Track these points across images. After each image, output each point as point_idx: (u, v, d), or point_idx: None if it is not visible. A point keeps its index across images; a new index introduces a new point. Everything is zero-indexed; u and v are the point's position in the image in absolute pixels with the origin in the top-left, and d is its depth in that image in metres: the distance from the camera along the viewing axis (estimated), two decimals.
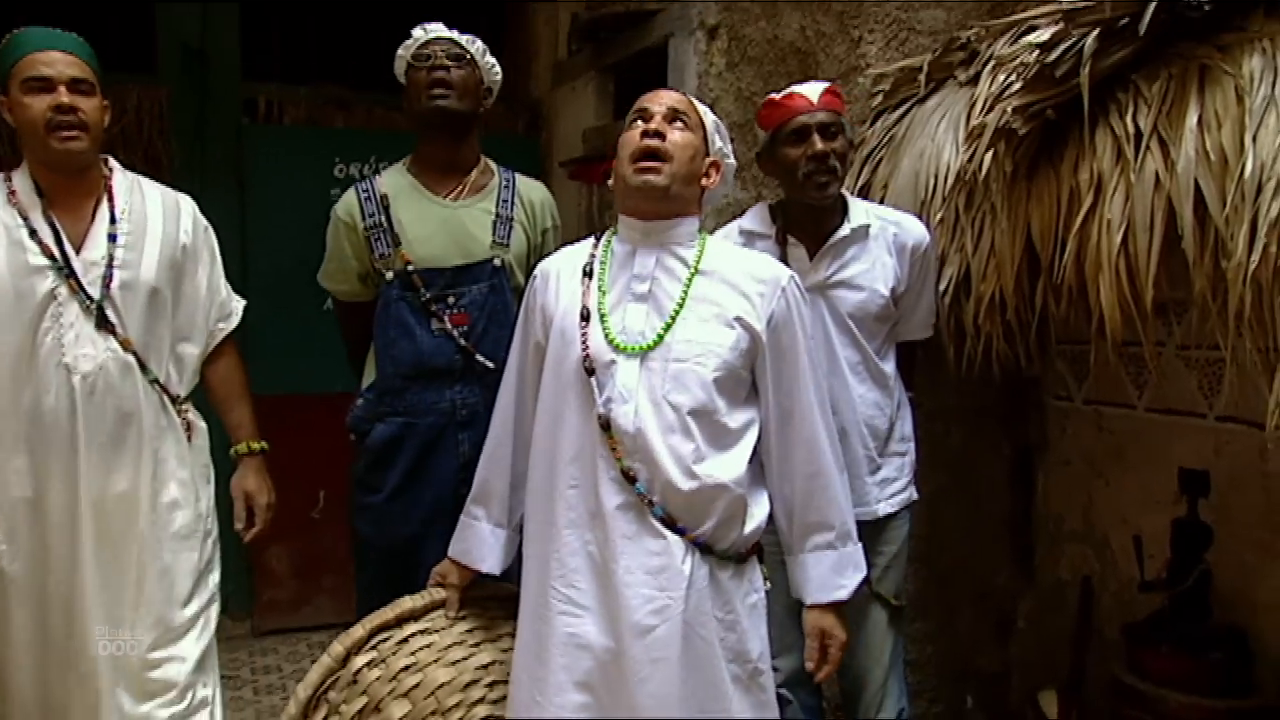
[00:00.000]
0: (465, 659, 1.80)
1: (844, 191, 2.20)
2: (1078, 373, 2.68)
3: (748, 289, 1.70)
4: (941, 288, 2.29)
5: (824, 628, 1.74)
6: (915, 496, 2.23)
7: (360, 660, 1.76)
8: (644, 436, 1.62)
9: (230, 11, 3.93)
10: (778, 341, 1.70)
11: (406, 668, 1.76)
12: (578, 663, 1.64)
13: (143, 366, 1.99)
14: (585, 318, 1.69)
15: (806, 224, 2.14)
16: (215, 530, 2.15)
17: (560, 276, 1.79)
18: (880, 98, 2.64)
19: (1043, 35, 2.02)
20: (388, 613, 1.81)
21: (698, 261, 1.71)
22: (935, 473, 2.73)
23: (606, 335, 1.67)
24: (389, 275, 2.12)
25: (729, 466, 1.65)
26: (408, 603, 1.84)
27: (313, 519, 3.84)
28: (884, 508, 2.14)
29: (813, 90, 2.11)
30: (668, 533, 1.63)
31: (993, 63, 2.22)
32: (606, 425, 1.63)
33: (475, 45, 2.23)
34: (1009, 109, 2.02)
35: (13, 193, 1.96)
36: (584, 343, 1.68)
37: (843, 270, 2.13)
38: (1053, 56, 1.95)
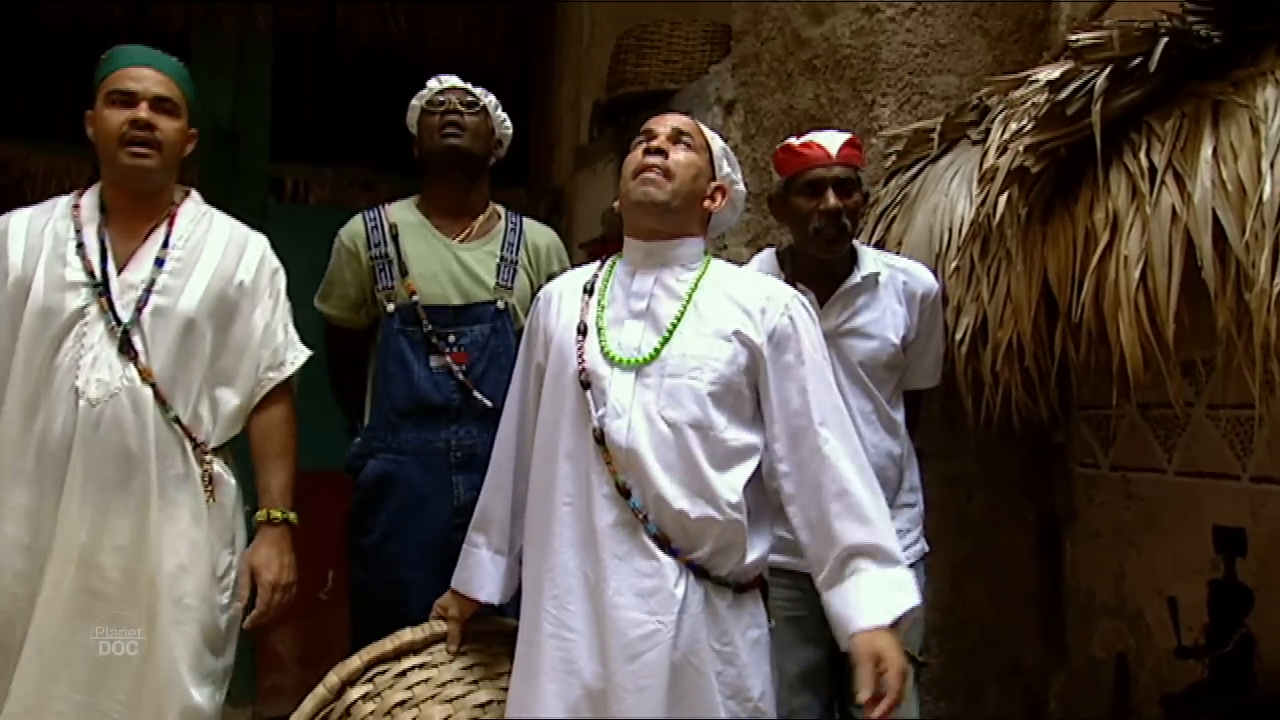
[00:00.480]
0: (463, 696, 1.73)
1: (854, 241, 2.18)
2: (1103, 438, 2.60)
3: (749, 305, 1.67)
4: (958, 337, 2.26)
5: (877, 650, 1.50)
6: (926, 549, 2.16)
7: (355, 693, 1.71)
8: (637, 452, 1.57)
9: (262, 95, 4.09)
10: (780, 357, 1.65)
11: (401, 703, 1.70)
12: (568, 689, 1.56)
13: (163, 403, 1.83)
14: (583, 332, 1.67)
15: (816, 272, 2.12)
16: (234, 606, 1.92)
17: (563, 297, 1.78)
18: (894, 158, 2.66)
19: (1053, 73, 2.02)
20: (386, 644, 1.75)
21: (699, 279, 1.69)
22: (958, 542, 2.64)
23: (603, 349, 1.65)
24: (390, 307, 2.11)
25: (726, 487, 1.58)
26: (408, 635, 1.78)
27: (320, 600, 3.75)
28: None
29: (832, 142, 2.09)
30: (660, 554, 1.56)
31: (1004, 110, 2.22)
32: (601, 439, 1.59)
33: (488, 98, 2.28)
34: (1021, 148, 2.02)
35: (77, 206, 1.90)
36: (580, 356, 1.65)
37: (854, 319, 2.10)
38: (1063, 95, 1.95)
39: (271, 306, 1.98)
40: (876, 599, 1.56)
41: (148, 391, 1.81)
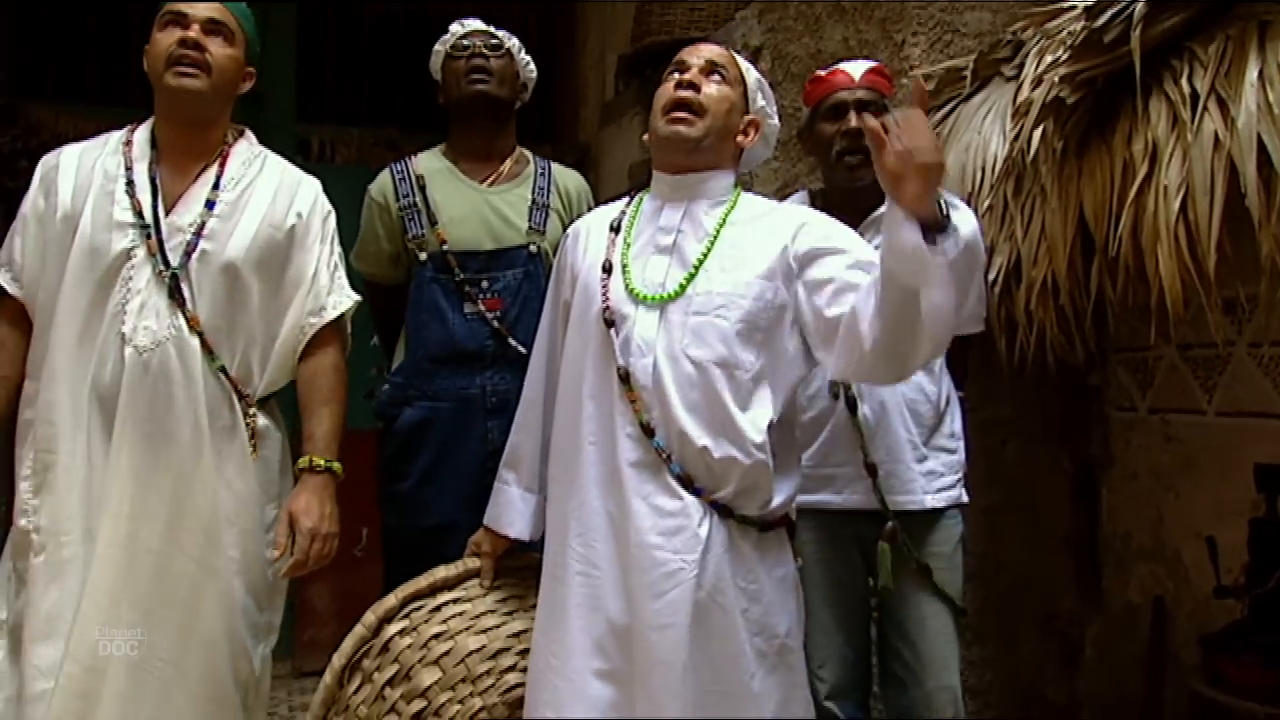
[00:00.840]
0: (497, 627, 1.75)
1: None
2: (1141, 380, 2.56)
3: (778, 236, 1.64)
4: (991, 278, 2.21)
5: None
6: (964, 498, 2.11)
7: (392, 629, 1.73)
8: (662, 390, 1.56)
9: (287, 56, 4.08)
10: (809, 270, 1.60)
11: (437, 635, 1.72)
12: (593, 625, 1.56)
13: (209, 353, 1.77)
14: (607, 270, 1.66)
15: (845, 205, 2.07)
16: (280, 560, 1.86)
17: (590, 233, 1.76)
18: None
19: (1089, 0, 1.97)
20: (421, 582, 1.78)
21: (727, 213, 1.67)
22: (991, 488, 2.61)
23: (627, 285, 1.63)
24: (423, 256, 2.11)
25: (751, 426, 1.57)
26: (441, 572, 1.80)
27: (355, 556, 3.80)
28: (931, 500, 2.03)
29: (856, 68, 2.08)
30: (684, 493, 1.55)
31: (1039, 42, 2.16)
32: (626, 378, 1.58)
33: (512, 40, 2.26)
34: (1056, 79, 1.97)
35: (129, 142, 1.83)
36: (604, 294, 1.64)
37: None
38: (1101, 21, 1.90)
39: (319, 251, 1.91)
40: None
41: (195, 341, 1.76)
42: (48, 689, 1.65)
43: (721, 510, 1.57)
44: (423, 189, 2.14)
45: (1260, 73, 1.75)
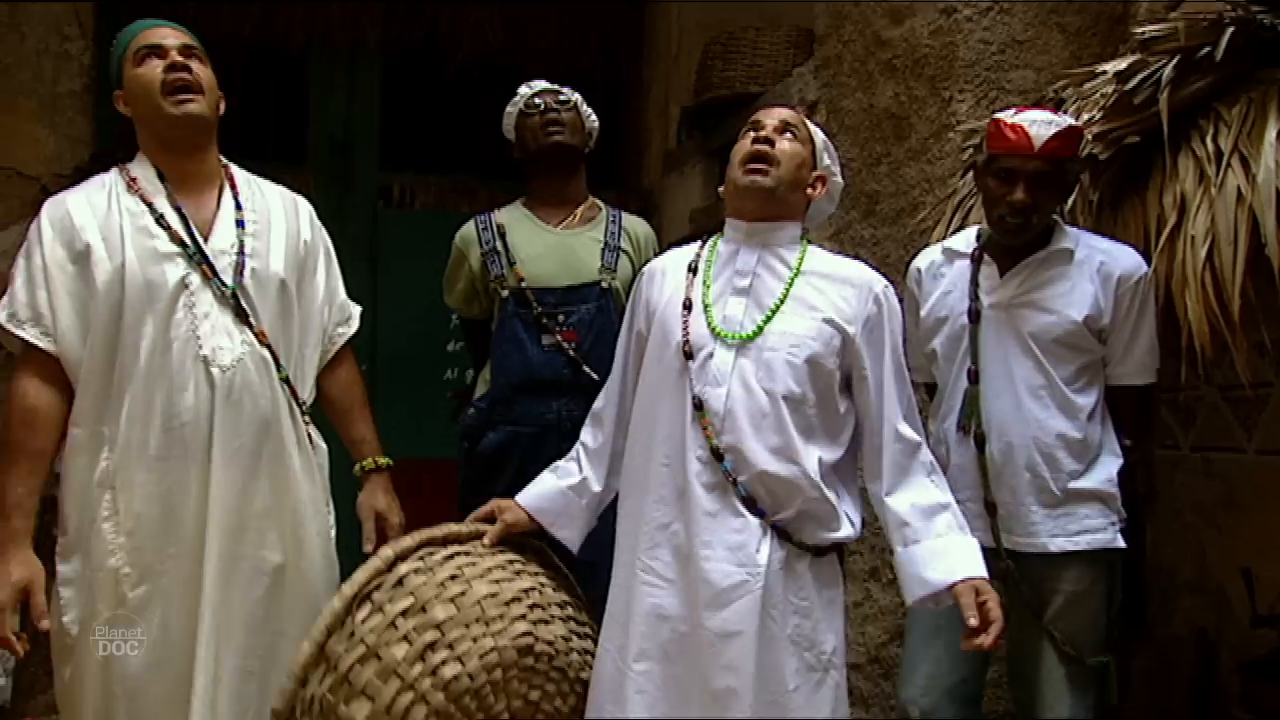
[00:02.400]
0: (508, 581, 1.83)
1: (1060, 219, 2.17)
2: (1183, 419, 2.66)
3: (844, 291, 1.81)
4: None
5: (976, 587, 1.68)
6: (1114, 544, 2.07)
7: (406, 566, 1.78)
8: (734, 418, 1.72)
9: (372, 108, 4.38)
10: (870, 341, 1.78)
11: (452, 577, 1.78)
12: (657, 632, 1.71)
13: (276, 364, 1.87)
14: (688, 307, 1.81)
15: (1002, 252, 2.14)
16: (335, 558, 1.99)
17: (666, 273, 1.93)
18: (970, 151, 2.75)
19: (1120, 65, 2.13)
20: (436, 531, 1.85)
21: (799, 263, 1.83)
22: None
23: (709, 323, 1.78)
24: (504, 293, 2.33)
25: (813, 456, 1.73)
26: (454, 527, 1.88)
27: None
28: (1056, 544, 2.04)
29: (1040, 131, 2.00)
30: (748, 514, 1.70)
31: (1076, 102, 2.32)
32: (700, 406, 1.73)
33: (574, 95, 2.49)
34: (1090, 136, 2.13)
35: (133, 180, 1.85)
36: (685, 330, 1.79)
37: (1032, 292, 2.08)
38: (1130, 85, 2.06)
39: (327, 264, 2.04)
40: (967, 555, 1.72)
41: (266, 353, 1.85)
42: (156, 706, 1.75)
43: (780, 533, 1.72)
44: (503, 236, 2.37)
45: (1279, 133, 1.89)
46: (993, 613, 1.65)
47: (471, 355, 2.60)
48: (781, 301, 1.79)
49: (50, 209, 1.84)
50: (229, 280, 1.83)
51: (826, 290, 1.81)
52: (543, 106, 2.42)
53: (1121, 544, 2.07)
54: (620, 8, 4.78)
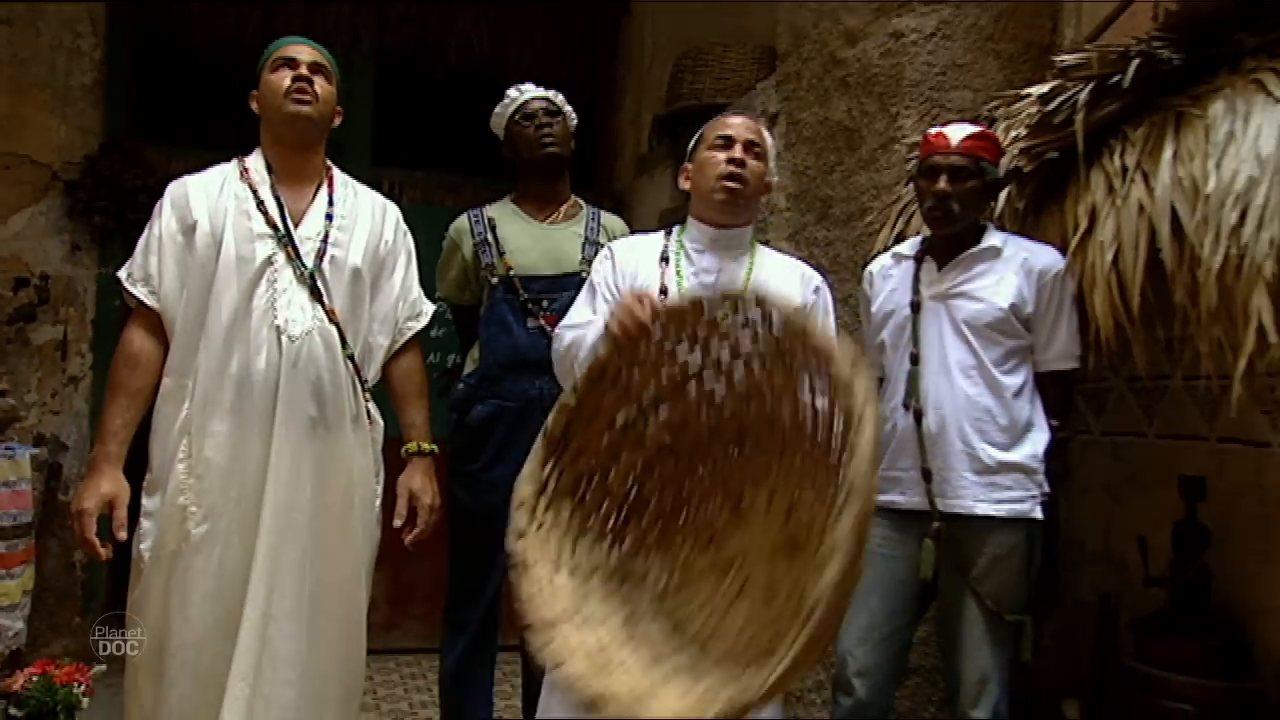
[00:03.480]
0: None
1: (987, 222, 2.32)
2: (1095, 407, 2.82)
3: (791, 282, 1.95)
4: None
5: None
6: (1034, 515, 2.19)
7: None
8: None
9: (365, 108, 4.46)
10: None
11: None
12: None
13: (343, 342, 1.99)
14: (664, 293, 1.91)
15: (940, 242, 2.29)
16: (377, 524, 2.10)
17: (637, 259, 2.01)
18: (914, 164, 2.91)
19: (1043, 89, 2.29)
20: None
21: (752, 261, 1.97)
22: None
23: None
24: (494, 280, 2.45)
25: None
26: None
27: (408, 550, 4.09)
28: (982, 507, 2.16)
29: (956, 133, 2.21)
30: None
31: (1006, 121, 2.48)
32: None
33: (558, 97, 2.60)
34: (1017, 151, 2.29)
35: (245, 169, 2.03)
36: None
37: (965, 284, 2.23)
38: (1051, 106, 2.22)
39: (406, 264, 2.18)
40: None
41: (334, 330, 1.98)
42: (207, 633, 1.87)
43: None
44: (493, 228, 2.49)
45: (1174, 153, 2.05)
46: None
47: (460, 337, 2.70)
48: (744, 291, 1.86)
49: (173, 189, 2.04)
50: (309, 263, 1.99)
51: (777, 281, 1.94)
52: (536, 119, 2.51)
53: (1039, 516, 2.19)
54: (599, 21, 4.89)
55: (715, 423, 1.64)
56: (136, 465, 2.01)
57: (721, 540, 1.62)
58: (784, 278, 1.96)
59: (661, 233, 2.09)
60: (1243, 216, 1.88)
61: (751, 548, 1.57)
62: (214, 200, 2.00)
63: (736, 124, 2.03)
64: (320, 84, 2.04)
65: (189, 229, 1.98)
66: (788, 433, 1.51)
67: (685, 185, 2.06)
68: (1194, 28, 2.10)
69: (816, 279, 2.00)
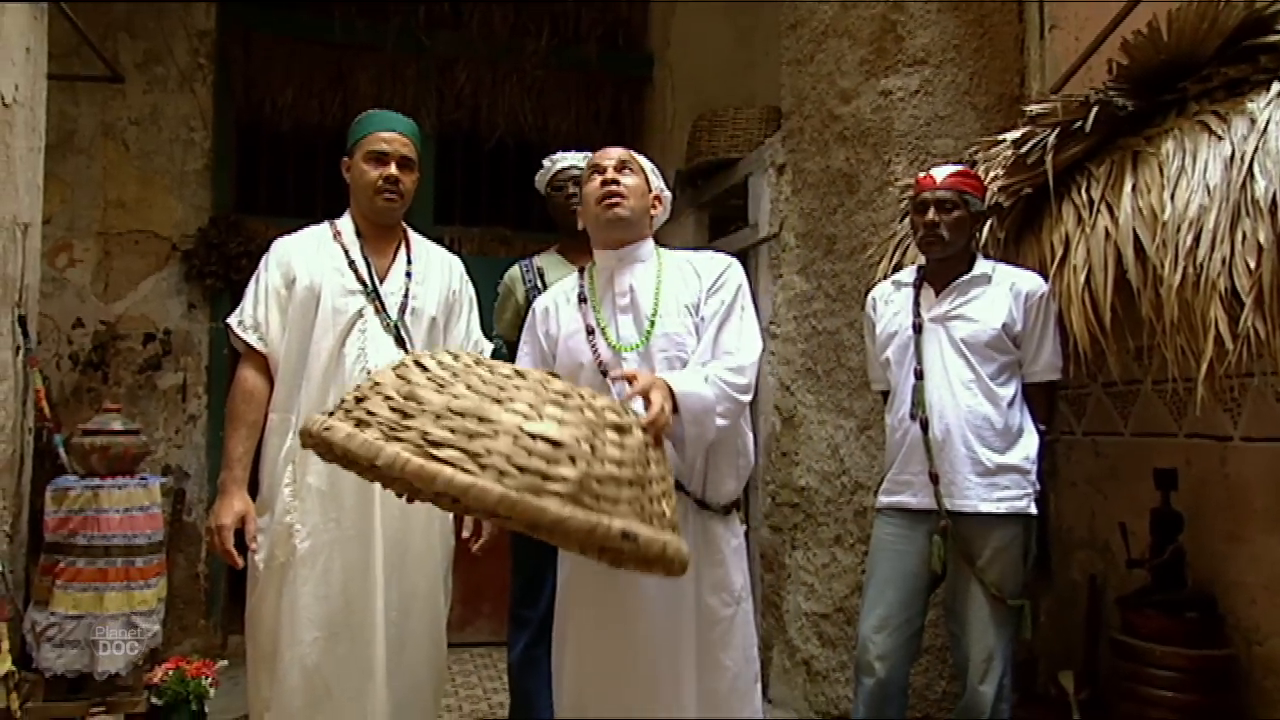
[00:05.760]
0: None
1: (978, 252, 2.34)
2: (1077, 411, 2.80)
3: (698, 272, 1.83)
4: None
5: (656, 384, 1.59)
6: (1029, 510, 2.19)
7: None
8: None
9: (427, 176, 4.50)
10: (710, 298, 1.78)
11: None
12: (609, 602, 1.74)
13: None
14: (590, 332, 1.80)
15: (937, 271, 2.30)
16: (451, 543, 2.11)
17: (558, 306, 1.91)
18: (906, 203, 2.92)
19: (1015, 134, 2.30)
20: None
21: (660, 269, 1.84)
22: None
23: (608, 342, 1.79)
24: None
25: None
26: None
27: (476, 556, 4.12)
28: (985, 505, 2.15)
29: (941, 172, 2.26)
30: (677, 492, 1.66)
31: (985, 163, 2.49)
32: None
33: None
34: (996, 189, 2.30)
35: (338, 233, 2.07)
36: (595, 351, 1.79)
37: (961, 307, 2.24)
38: (1024, 149, 2.23)
39: (469, 311, 2.22)
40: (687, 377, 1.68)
41: None
42: (319, 636, 1.91)
43: (699, 503, 1.74)
44: (541, 275, 2.53)
45: (1134, 186, 2.06)
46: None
47: None
48: (655, 310, 1.78)
49: (276, 247, 2.09)
50: (393, 315, 2.03)
51: (687, 278, 1.82)
52: (566, 189, 2.51)
53: (1034, 511, 2.19)
54: (626, 91, 4.96)
55: None
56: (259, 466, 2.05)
57: None
58: (690, 272, 1.82)
59: (576, 274, 1.98)
60: (1197, 239, 1.88)
61: None
62: (311, 258, 2.04)
63: (604, 153, 1.90)
64: (405, 179, 2.06)
65: (290, 282, 2.03)
66: None
67: (581, 225, 1.94)
68: (1144, 78, 2.11)
69: (726, 260, 1.84)
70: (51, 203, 3.61)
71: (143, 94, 4.07)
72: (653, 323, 1.77)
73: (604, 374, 1.75)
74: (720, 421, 1.68)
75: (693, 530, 1.71)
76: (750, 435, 1.88)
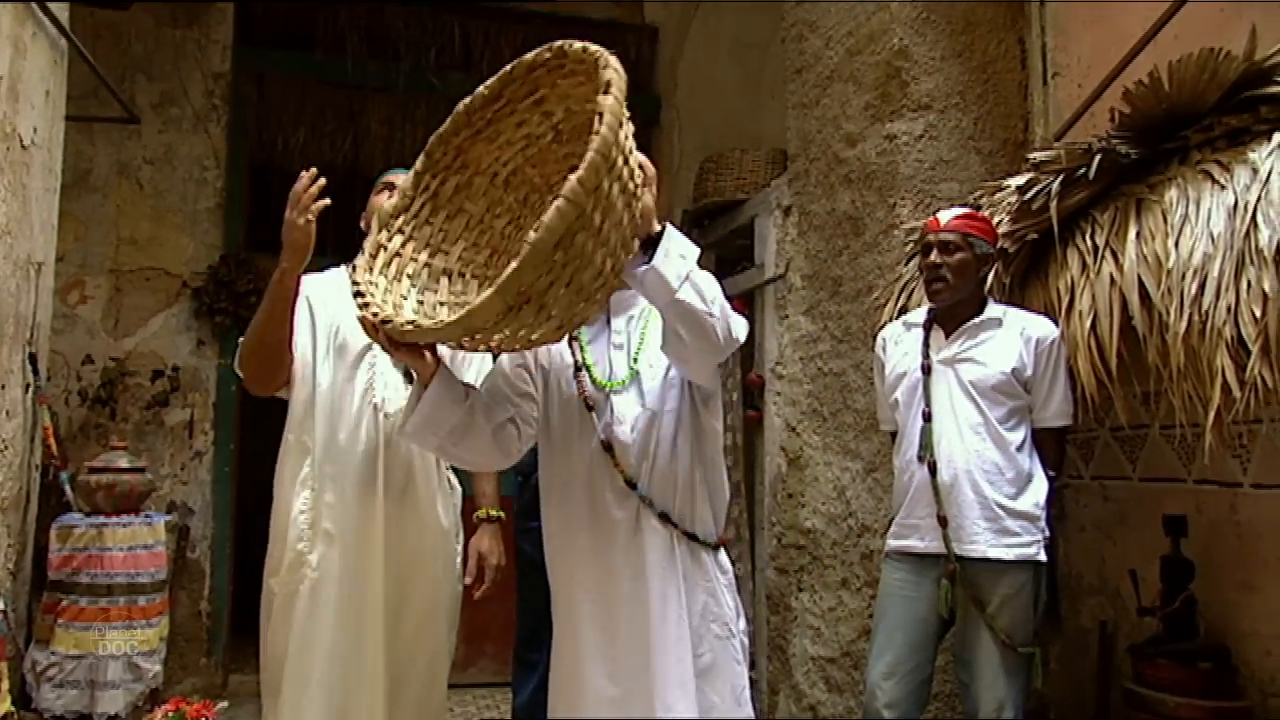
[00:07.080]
0: None
1: (990, 296, 2.34)
2: (1085, 455, 2.78)
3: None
4: None
5: None
6: (1039, 558, 2.16)
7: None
8: (644, 448, 1.69)
9: None
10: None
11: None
12: (606, 631, 1.70)
13: None
14: (578, 369, 1.78)
15: (947, 314, 2.28)
16: (457, 574, 2.09)
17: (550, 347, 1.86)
18: (911, 245, 2.94)
19: (1020, 180, 2.32)
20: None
21: (646, 313, 1.82)
22: None
23: (593, 379, 1.77)
24: None
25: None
26: None
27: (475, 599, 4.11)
28: (994, 551, 2.14)
29: (946, 215, 2.27)
30: (662, 527, 1.68)
31: (990, 208, 2.51)
32: (609, 447, 1.69)
33: None
34: (1001, 234, 2.31)
35: (354, 269, 1.99)
36: (581, 387, 1.77)
37: (970, 350, 2.23)
38: (1029, 195, 2.25)
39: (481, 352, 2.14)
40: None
41: None
42: (323, 671, 1.89)
43: (690, 537, 1.71)
44: None
45: (1138, 233, 2.07)
46: None
47: None
48: (640, 348, 1.78)
49: (306, 282, 2.06)
50: None
51: (654, 327, 1.77)
52: None
53: (1043, 558, 2.16)
54: (634, 134, 5.01)
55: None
56: (265, 502, 2.05)
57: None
58: (656, 323, 1.76)
59: None
60: (1202, 287, 1.89)
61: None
62: (332, 294, 2.04)
63: None
64: None
65: (311, 313, 2.04)
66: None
67: None
68: (1146, 126, 2.13)
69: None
70: (65, 240, 3.66)
71: (158, 134, 4.15)
72: (637, 359, 1.78)
73: (589, 408, 1.74)
74: (699, 304, 1.56)
75: (680, 555, 1.71)
76: (725, 472, 1.87)
